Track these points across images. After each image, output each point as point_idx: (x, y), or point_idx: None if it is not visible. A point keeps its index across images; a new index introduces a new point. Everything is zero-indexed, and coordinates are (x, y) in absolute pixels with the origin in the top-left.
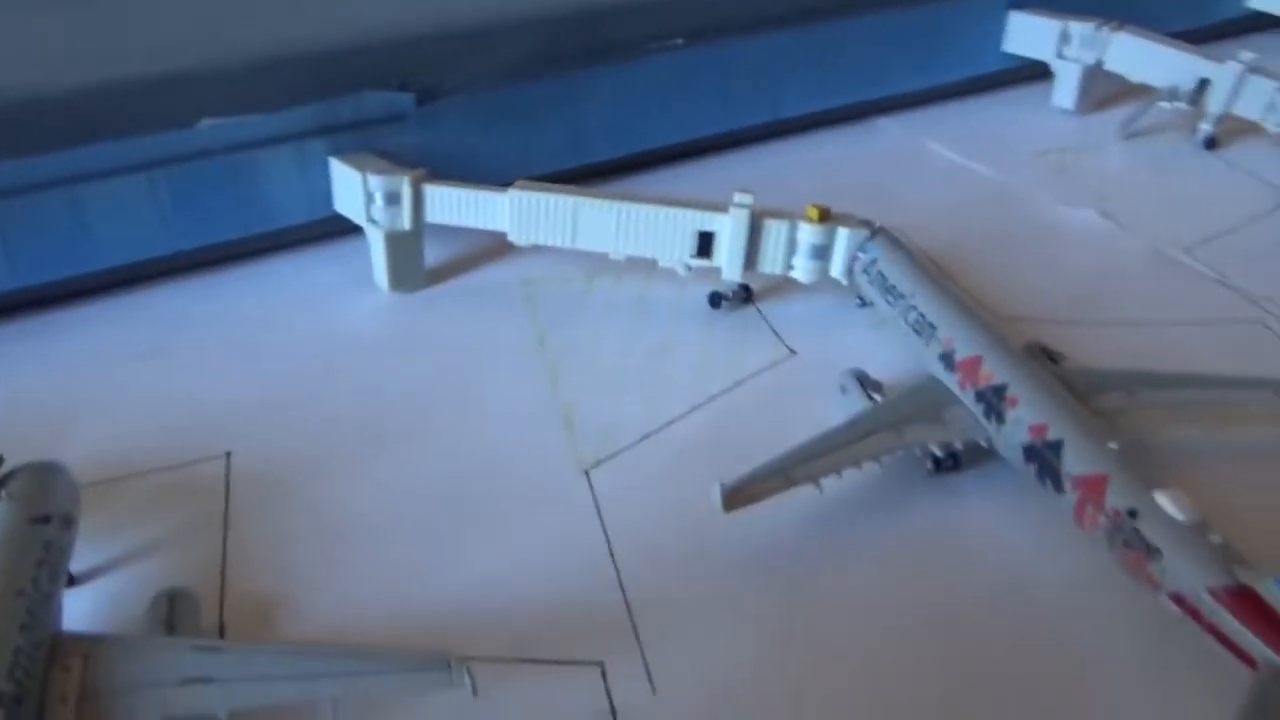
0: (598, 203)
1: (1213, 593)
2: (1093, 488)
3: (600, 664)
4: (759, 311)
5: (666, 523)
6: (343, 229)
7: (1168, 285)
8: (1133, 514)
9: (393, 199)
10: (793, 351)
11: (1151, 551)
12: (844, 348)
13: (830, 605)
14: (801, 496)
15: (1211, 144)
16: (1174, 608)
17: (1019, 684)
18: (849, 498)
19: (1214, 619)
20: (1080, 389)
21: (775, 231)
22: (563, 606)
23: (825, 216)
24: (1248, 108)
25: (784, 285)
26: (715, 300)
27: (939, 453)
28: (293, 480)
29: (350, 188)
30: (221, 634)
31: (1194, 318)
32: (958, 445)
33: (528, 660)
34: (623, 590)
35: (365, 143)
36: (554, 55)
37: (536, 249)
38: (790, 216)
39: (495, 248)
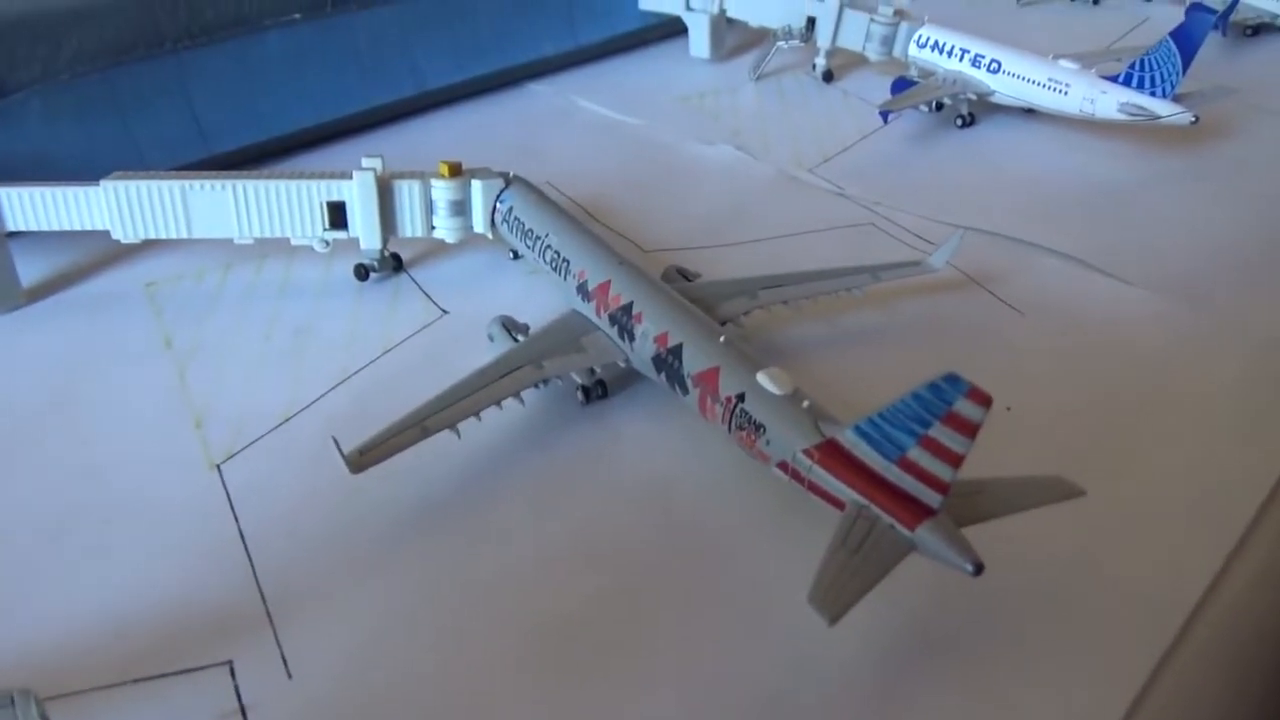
0: (210, 184)
1: (806, 453)
2: (708, 381)
3: (229, 663)
4: (411, 278)
5: (307, 504)
6: None
7: (794, 201)
8: (741, 397)
9: None
10: (445, 311)
11: (758, 428)
12: (498, 300)
13: (481, 550)
14: (451, 449)
15: (829, 77)
16: (782, 475)
17: (670, 571)
18: (500, 441)
19: (811, 476)
20: (708, 299)
21: (408, 192)
22: (189, 613)
23: (457, 171)
24: (850, 39)
25: (437, 248)
26: (362, 273)
27: (586, 382)
28: None
29: None
30: None
31: (816, 226)
32: (598, 370)
33: (142, 679)
34: (258, 582)
35: None
36: (151, 36)
37: (164, 247)
38: (421, 176)
39: (113, 252)
